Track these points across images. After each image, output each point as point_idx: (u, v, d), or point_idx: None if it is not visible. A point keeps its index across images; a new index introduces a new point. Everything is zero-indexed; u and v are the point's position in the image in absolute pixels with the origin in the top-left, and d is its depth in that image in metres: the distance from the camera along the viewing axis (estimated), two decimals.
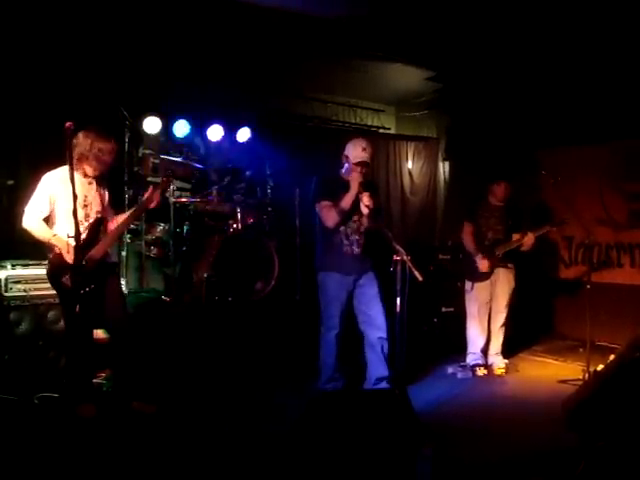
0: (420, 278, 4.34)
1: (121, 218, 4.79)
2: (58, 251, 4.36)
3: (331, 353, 4.97)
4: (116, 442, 4.15)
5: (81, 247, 4.21)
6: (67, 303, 4.43)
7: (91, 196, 4.56)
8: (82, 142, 4.42)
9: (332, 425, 3.38)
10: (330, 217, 4.85)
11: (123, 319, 4.68)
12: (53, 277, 4.45)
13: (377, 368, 4.96)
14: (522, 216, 6.14)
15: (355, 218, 4.94)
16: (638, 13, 5.77)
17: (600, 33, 6.27)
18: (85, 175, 4.53)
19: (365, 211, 4.76)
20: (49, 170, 4.49)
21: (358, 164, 4.85)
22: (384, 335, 4.91)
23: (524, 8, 5.95)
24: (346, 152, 4.98)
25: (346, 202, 4.78)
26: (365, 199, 4.70)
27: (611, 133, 7.07)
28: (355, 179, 4.78)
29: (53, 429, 4.33)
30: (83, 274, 4.26)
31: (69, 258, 4.23)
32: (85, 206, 4.49)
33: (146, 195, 4.73)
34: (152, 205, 4.73)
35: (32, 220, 4.39)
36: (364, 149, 4.89)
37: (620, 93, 6.85)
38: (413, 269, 4.38)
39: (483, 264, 5.96)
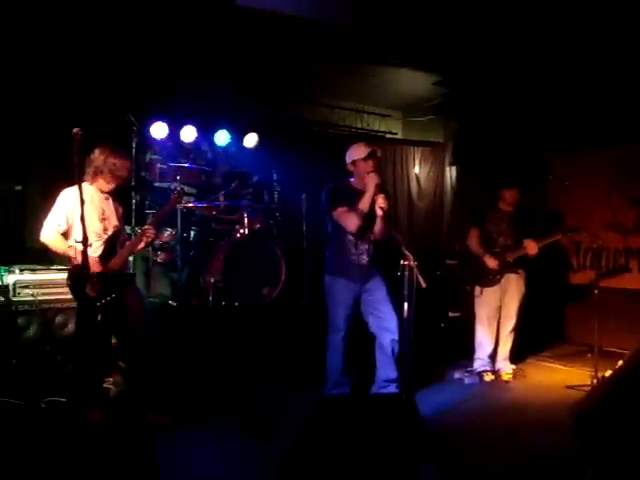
0: (424, 284, 4.32)
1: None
2: (75, 262, 4.39)
3: (338, 356, 4.95)
4: (123, 448, 4.16)
5: (99, 258, 4.39)
6: (84, 311, 4.44)
7: (109, 210, 4.63)
8: (97, 157, 4.51)
9: (338, 430, 3.37)
10: (351, 221, 4.79)
11: (142, 328, 4.68)
12: (73, 286, 4.46)
13: (386, 370, 4.94)
14: (534, 221, 6.11)
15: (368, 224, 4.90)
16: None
17: (608, 37, 6.25)
18: (102, 191, 4.61)
19: (379, 213, 4.71)
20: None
21: (369, 156, 4.80)
22: (396, 337, 4.88)
23: (531, 13, 5.95)
24: (349, 159, 4.93)
25: (364, 204, 4.72)
26: (380, 200, 4.66)
27: (618, 137, 7.04)
28: (372, 179, 4.70)
29: (60, 433, 4.33)
30: (103, 284, 4.34)
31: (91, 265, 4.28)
32: (103, 219, 4.57)
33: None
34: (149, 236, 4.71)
35: (49, 233, 4.44)
36: (366, 145, 4.88)
37: (628, 96, 6.83)
38: (418, 275, 4.37)
39: (491, 262, 5.92)
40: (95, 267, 4.33)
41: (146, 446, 4.18)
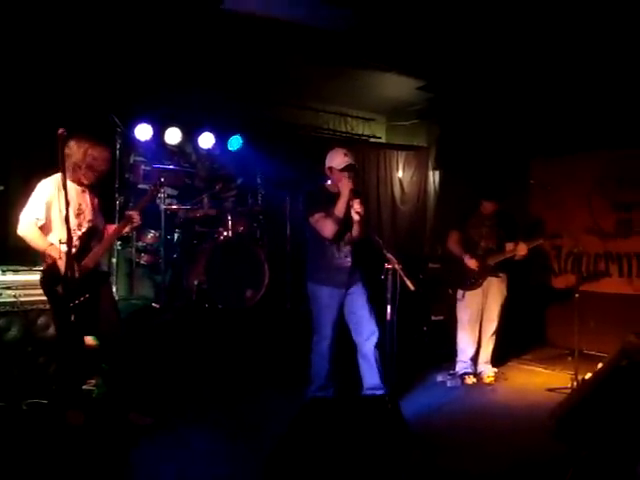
0: (412, 287, 4.33)
1: (111, 228, 4.80)
2: (51, 261, 4.35)
3: (324, 362, 4.94)
4: (105, 449, 4.14)
5: (74, 256, 4.19)
6: (59, 312, 4.41)
7: (84, 204, 4.54)
8: (75, 151, 4.38)
9: (321, 431, 3.39)
10: (327, 227, 4.80)
11: (117, 328, 4.66)
12: (47, 286, 4.42)
13: (371, 378, 4.93)
14: (516, 226, 6.16)
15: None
16: (629, 23, 5.84)
17: (590, 43, 6.32)
18: (80, 184, 4.51)
19: (356, 217, 4.73)
20: (40, 176, 4.45)
21: (345, 169, 4.81)
22: (375, 342, 4.88)
23: (514, 19, 6.01)
24: (328, 164, 4.93)
25: (339, 209, 4.74)
26: (356, 206, 4.67)
27: (600, 143, 7.13)
28: (346, 185, 4.72)
29: (41, 435, 4.30)
30: (76, 283, 4.22)
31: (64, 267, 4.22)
32: (78, 215, 4.46)
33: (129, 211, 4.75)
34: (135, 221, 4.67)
35: (27, 227, 4.34)
36: (346, 154, 4.86)
37: (610, 103, 6.91)
38: (405, 278, 4.38)
39: (471, 262, 5.96)
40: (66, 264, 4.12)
41: (121, 447, 4.17)
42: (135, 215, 4.64)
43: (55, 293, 4.34)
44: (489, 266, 5.99)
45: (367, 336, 4.90)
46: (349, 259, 4.93)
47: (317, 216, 4.85)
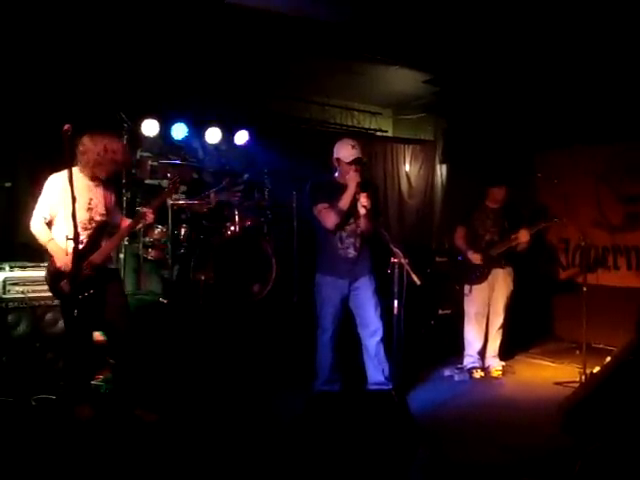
0: (418, 282, 4.33)
1: (126, 222, 4.80)
2: (53, 258, 4.36)
3: (327, 354, 4.96)
4: (114, 444, 4.16)
5: (82, 252, 4.16)
6: (66, 307, 4.42)
7: (96, 199, 4.51)
8: (92, 148, 4.35)
9: (328, 425, 3.39)
10: (329, 218, 4.80)
11: (125, 324, 4.64)
12: (51, 282, 4.44)
13: (374, 373, 4.94)
14: (521, 218, 6.14)
15: (351, 221, 4.89)
16: (634, 14, 5.81)
17: (596, 36, 6.29)
18: (93, 178, 4.49)
19: (362, 211, 4.72)
20: (47, 173, 4.45)
21: (353, 162, 4.80)
22: (379, 338, 4.90)
23: (521, 12, 5.98)
24: (336, 155, 4.92)
25: (344, 202, 4.73)
26: (362, 199, 4.66)
27: (607, 135, 7.10)
28: (353, 179, 4.71)
29: (50, 431, 4.32)
30: (82, 279, 4.23)
31: (62, 263, 4.25)
32: (90, 209, 4.45)
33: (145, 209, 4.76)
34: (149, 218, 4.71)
35: (37, 224, 4.37)
36: (353, 147, 4.84)
37: (616, 96, 6.87)
38: (411, 272, 4.38)
39: (475, 257, 5.95)
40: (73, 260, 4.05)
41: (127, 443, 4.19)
42: (149, 213, 4.65)
43: (59, 290, 4.36)
44: (493, 257, 5.97)
45: (371, 332, 4.91)
46: (351, 250, 4.92)
47: (320, 207, 4.85)
